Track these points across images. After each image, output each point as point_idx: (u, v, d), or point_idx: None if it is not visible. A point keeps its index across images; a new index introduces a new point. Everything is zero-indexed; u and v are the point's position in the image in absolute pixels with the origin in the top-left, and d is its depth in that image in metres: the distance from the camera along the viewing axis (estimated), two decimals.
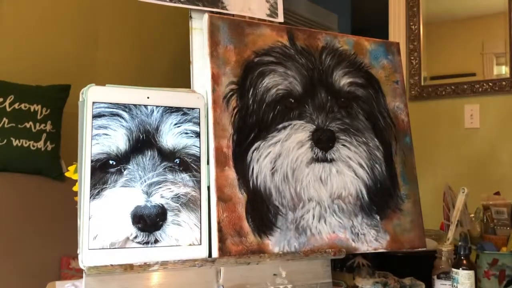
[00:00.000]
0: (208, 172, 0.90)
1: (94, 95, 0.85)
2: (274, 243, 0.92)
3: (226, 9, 1.05)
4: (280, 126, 0.98)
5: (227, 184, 0.91)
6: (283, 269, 0.89)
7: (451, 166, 2.56)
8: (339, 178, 1.00)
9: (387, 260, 1.17)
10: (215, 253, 0.87)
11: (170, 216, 0.85)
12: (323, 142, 1.00)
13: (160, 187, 0.85)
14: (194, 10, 1.01)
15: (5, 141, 1.84)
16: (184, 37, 1.05)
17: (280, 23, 1.10)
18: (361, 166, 1.03)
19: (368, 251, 1.01)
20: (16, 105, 1.89)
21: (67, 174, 1.04)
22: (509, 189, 2.27)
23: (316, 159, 0.99)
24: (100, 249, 0.80)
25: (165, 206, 0.85)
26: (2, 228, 1.73)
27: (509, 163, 2.42)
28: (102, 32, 2.55)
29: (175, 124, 0.89)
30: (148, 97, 0.89)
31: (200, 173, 0.89)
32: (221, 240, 0.88)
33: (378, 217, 1.03)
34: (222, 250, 0.87)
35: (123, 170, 0.84)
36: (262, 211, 0.93)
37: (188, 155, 0.89)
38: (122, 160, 0.84)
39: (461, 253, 1.01)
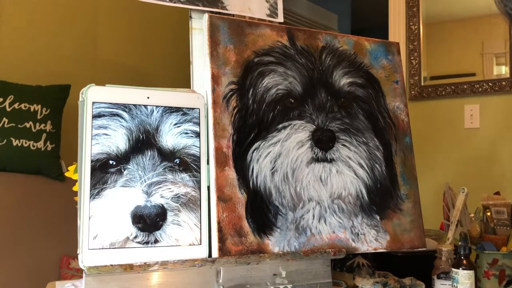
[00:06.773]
0: (208, 172, 0.90)
1: (94, 95, 0.85)
2: (274, 243, 0.92)
3: (226, 9, 1.05)
4: (280, 126, 0.98)
5: (227, 184, 0.91)
6: (283, 269, 0.89)
7: (451, 166, 2.56)
8: (339, 178, 1.00)
9: (387, 260, 1.17)
10: (215, 253, 0.87)
11: (170, 216, 0.85)
12: (323, 142, 1.00)
13: (160, 187, 0.85)
14: (194, 10, 1.01)
15: (5, 141, 1.84)
16: (184, 37, 1.05)
17: (280, 23, 1.10)
18: (361, 166, 1.03)
19: (368, 251, 1.01)
20: (16, 105, 1.89)
21: (67, 174, 1.05)
22: (509, 189, 2.27)
23: (316, 159, 0.99)
24: (100, 249, 0.80)
25: (165, 206, 0.85)
26: (2, 228, 1.73)
27: (509, 163, 2.42)
28: (102, 32, 2.55)
29: (175, 124, 0.89)
30: (148, 97, 0.89)
31: (200, 173, 0.89)
32: (221, 240, 0.88)
33: (378, 217, 1.03)
34: (222, 250, 0.87)
35: (123, 170, 0.84)
36: (262, 211, 0.93)
37: (188, 155, 0.89)
38: (122, 160, 0.84)
39: (461, 253, 1.01)
